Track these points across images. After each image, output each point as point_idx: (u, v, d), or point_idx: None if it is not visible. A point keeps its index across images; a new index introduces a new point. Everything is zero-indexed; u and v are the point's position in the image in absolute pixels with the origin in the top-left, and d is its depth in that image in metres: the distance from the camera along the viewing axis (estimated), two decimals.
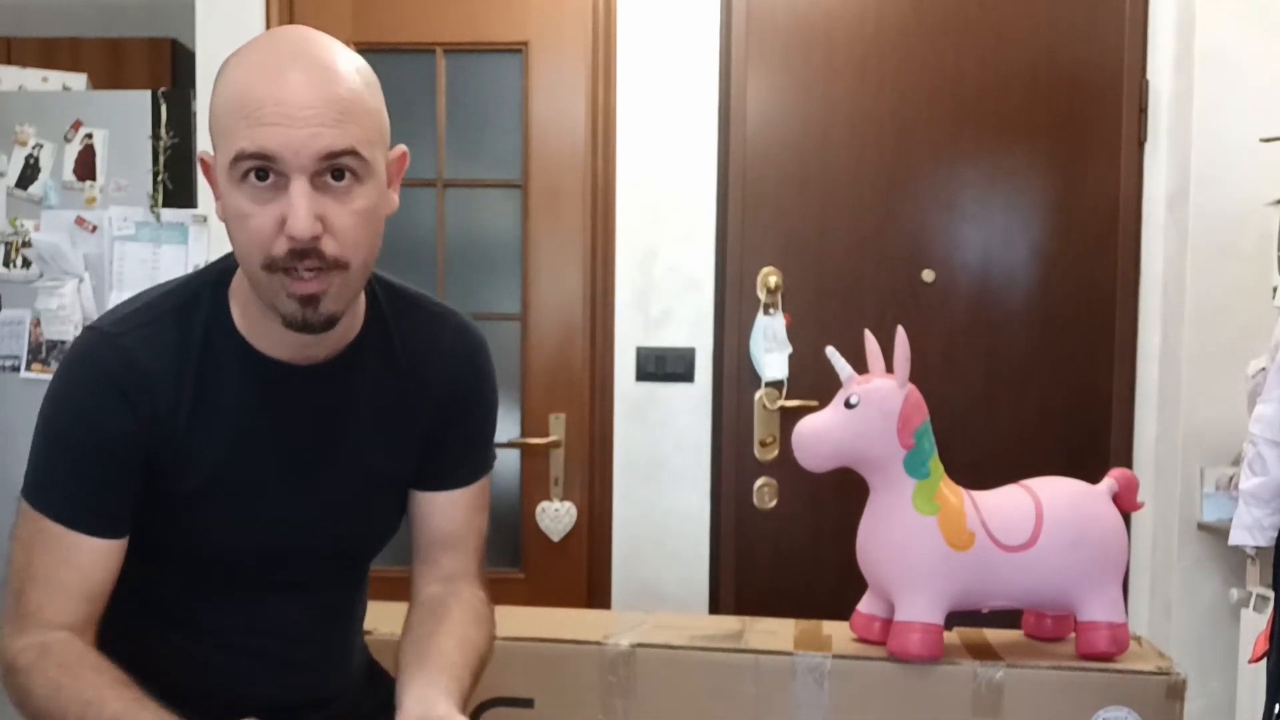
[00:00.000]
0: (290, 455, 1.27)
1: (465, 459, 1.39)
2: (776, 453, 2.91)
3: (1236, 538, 2.30)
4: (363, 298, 1.29)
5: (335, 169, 1.14)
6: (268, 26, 2.89)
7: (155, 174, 2.94)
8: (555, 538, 2.93)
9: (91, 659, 1.17)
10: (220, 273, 1.27)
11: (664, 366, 2.91)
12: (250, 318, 1.24)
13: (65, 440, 1.20)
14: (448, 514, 1.38)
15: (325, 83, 1.13)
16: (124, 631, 1.25)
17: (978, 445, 2.84)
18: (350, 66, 1.17)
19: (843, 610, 1.97)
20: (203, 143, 2.90)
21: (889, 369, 1.83)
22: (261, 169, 1.12)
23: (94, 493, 1.20)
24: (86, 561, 1.19)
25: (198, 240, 2.90)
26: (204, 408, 1.22)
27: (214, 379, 1.22)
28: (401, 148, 1.26)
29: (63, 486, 1.19)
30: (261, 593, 1.30)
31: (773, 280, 2.91)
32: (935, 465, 1.81)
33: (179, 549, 1.27)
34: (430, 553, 1.39)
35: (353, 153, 1.13)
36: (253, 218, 1.13)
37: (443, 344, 1.36)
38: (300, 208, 1.11)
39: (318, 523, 1.29)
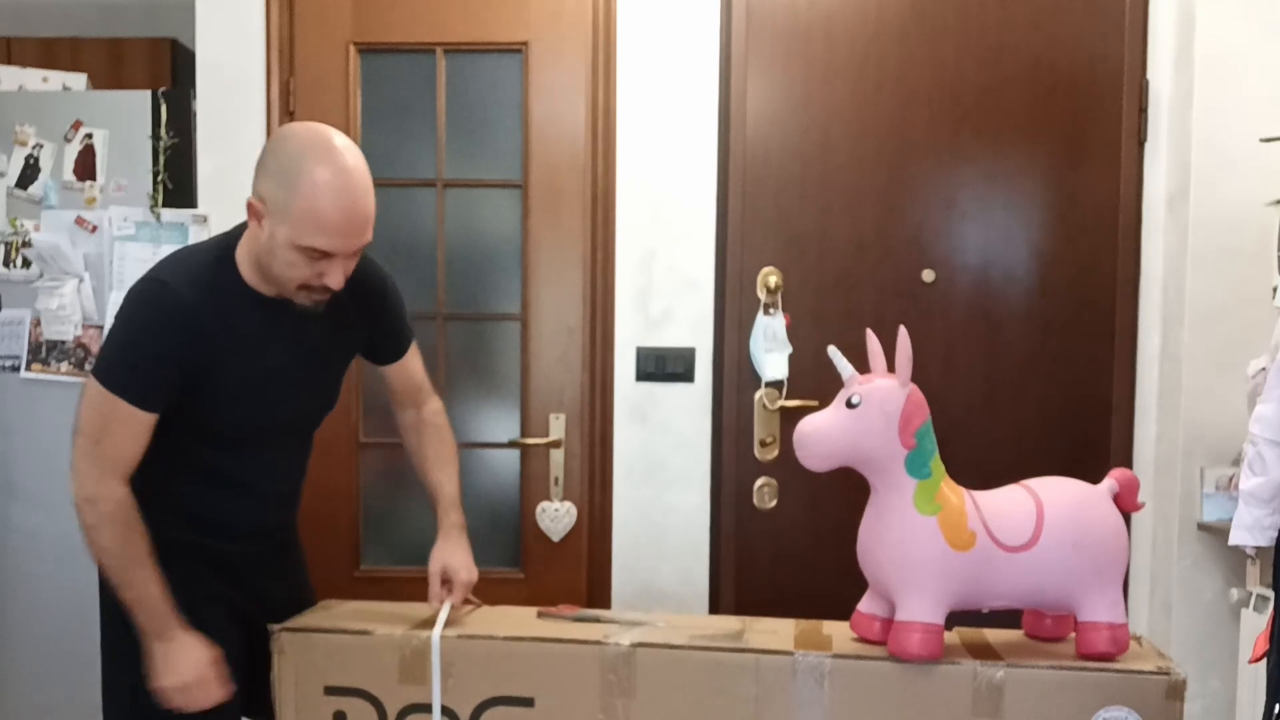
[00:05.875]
0: (288, 359, 1.88)
1: (398, 339, 2.11)
2: (776, 453, 2.92)
3: (1236, 538, 2.30)
4: None
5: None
6: (268, 27, 2.90)
7: (155, 174, 2.94)
8: (555, 538, 2.93)
9: (139, 523, 1.78)
10: (225, 246, 1.85)
11: (664, 366, 2.91)
12: (254, 274, 1.84)
13: (137, 351, 1.77)
14: (404, 371, 2.13)
15: (368, 205, 1.78)
16: (160, 479, 1.84)
17: (978, 445, 2.85)
18: (370, 178, 1.79)
19: (843, 610, 1.97)
20: (203, 143, 2.93)
21: (890, 369, 1.83)
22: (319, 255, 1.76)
23: (154, 385, 1.77)
24: (142, 430, 1.78)
25: (197, 239, 2.89)
26: (230, 331, 1.81)
27: (234, 313, 1.81)
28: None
29: (133, 380, 1.76)
30: (256, 448, 1.92)
31: (773, 280, 2.91)
32: (936, 465, 1.81)
33: (213, 421, 1.85)
34: (403, 396, 2.15)
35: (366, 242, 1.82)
36: (300, 268, 1.77)
37: (359, 275, 1.90)
38: (339, 275, 1.79)
39: (299, 403, 1.95)
